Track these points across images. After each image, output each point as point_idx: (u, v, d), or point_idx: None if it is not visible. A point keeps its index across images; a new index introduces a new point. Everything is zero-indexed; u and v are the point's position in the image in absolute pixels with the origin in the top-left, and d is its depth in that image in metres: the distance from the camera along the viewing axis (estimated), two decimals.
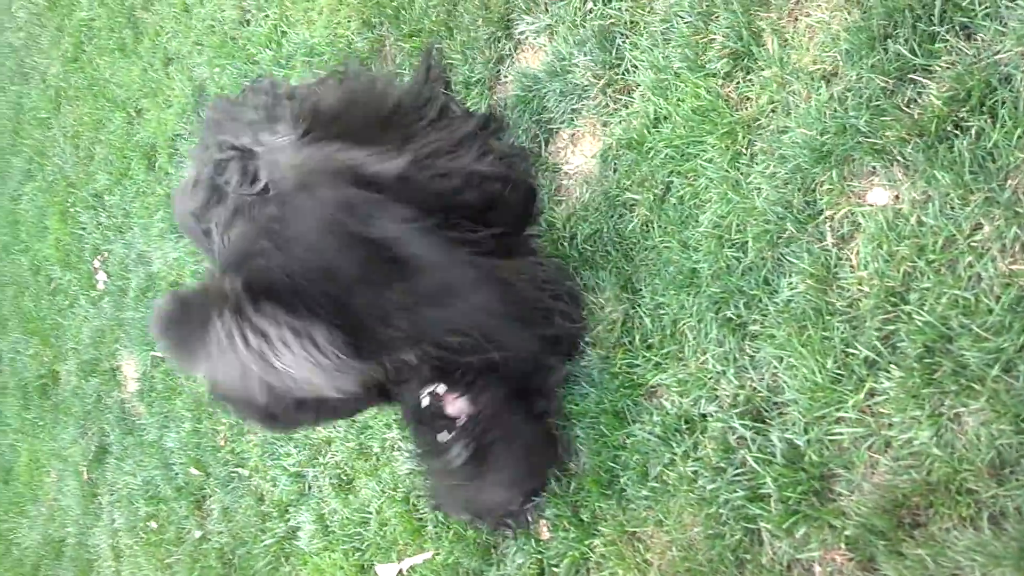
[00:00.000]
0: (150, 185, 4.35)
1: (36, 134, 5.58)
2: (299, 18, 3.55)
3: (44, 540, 4.97)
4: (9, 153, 5.90)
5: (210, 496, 3.75)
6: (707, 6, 2.26)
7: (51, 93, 5.47)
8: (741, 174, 2.16)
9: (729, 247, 2.15)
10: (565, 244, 2.55)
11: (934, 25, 1.88)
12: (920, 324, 1.81)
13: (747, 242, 2.13)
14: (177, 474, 3.93)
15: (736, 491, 2.06)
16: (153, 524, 4.08)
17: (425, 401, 2.31)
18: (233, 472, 3.63)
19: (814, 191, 2.03)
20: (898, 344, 1.85)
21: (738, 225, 2.15)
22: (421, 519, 2.84)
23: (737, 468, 2.08)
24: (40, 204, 5.41)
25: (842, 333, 1.93)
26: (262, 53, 3.68)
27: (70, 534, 4.71)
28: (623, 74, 2.46)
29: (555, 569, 2.42)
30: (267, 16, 3.68)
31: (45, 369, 5.15)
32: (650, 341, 2.30)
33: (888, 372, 1.85)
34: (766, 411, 2.05)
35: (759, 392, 2.07)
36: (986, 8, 1.82)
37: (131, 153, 4.53)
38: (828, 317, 1.96)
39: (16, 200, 5.71)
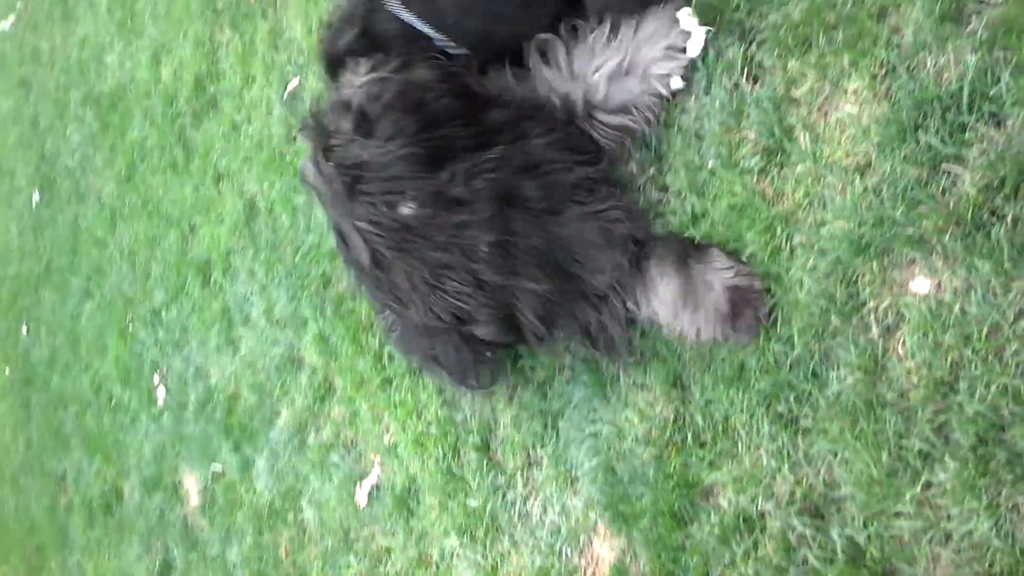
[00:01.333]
0: (206, 300, 4.50)
1: (93, 253, 5.81)
2: None
3: None
4: (68, 273, 6.13)
5: None
6: (737, 104, 2.34)
7: (106, 213, 5.70)
8: (782, 268, 2.21)
9: (775, 341, 2.20)
10: None
11: (963, 115, 1.93)
12: (971, 414, 1.83)
13: (792, 336, 2.17)
14: None
15: None
16: None
17: None
18: None
19: (856, 283, 2.08)
20: (951, 435, 1.87)
21: (783, 319, 2.19)
22: None
23: (799, 567, 2.09)
24: (99, 322, 5.61)
25: (895, 425, 1.96)
26: None
27: None
28: (659, 173, 2.53)
29: None
30: None
31: (108, 486, 5.28)
32: (703, 439, 2.34)
33: (943, 463, 1.87)
34: (824, 507, 2.07)
35: (815, 488, 2.09)
36: (1014, 95, 1.87)
37: (186, 269, 4.71)
38: (879, 409, 1.99)
39: (76, 319, 5.92)
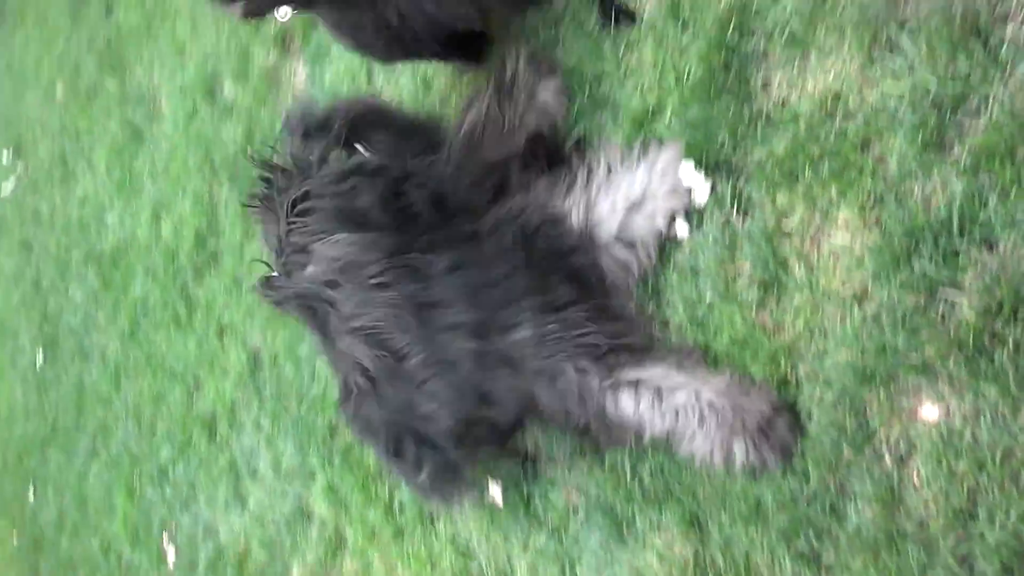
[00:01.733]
0: (213, 454, 4.48)
1: (99, 411, 5.80)
2: None
3: None
4: (74, 431, 6.12)
5: None
6: (730, 239, 2.37)
7: (111, 370, 5.72)
8: (791, 400, 2.21)
9: (790, 475, 2.18)
10: (627, 481, 2.58)
11: (955, 240, 1.96)
12: (993, 543, 1.81)
13: (807, 469, 2.16)
14: None
15: None
16: None
17: None
18: None
19: (864, 412, 2.07)
20: (975, 564, 1.85)
21: (796, 452, 2.18)
22: None
23: None
24: (106, 481, 5.57)
25: (917, 557, 1.93)
26: None
27: None
28: (658, 308, 2.55)
29: None
30: None
31: None
32: None
33: None
34: None
35: None
36: (1003, 219, 1.90)
37: (192, 424, 4.70)
38: (901, 542, 1.96)
39: (83, 478, 5.88)
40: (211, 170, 4.86)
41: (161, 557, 4.81)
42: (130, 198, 5.81)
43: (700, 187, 2.42)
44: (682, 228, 2.47)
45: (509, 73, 2.76)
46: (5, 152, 8.22)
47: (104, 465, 5.66)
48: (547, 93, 2.78)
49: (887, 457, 2.03)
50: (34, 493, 6.64)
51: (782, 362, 2.23)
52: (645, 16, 2.66)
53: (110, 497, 5.49)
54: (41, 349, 6.82)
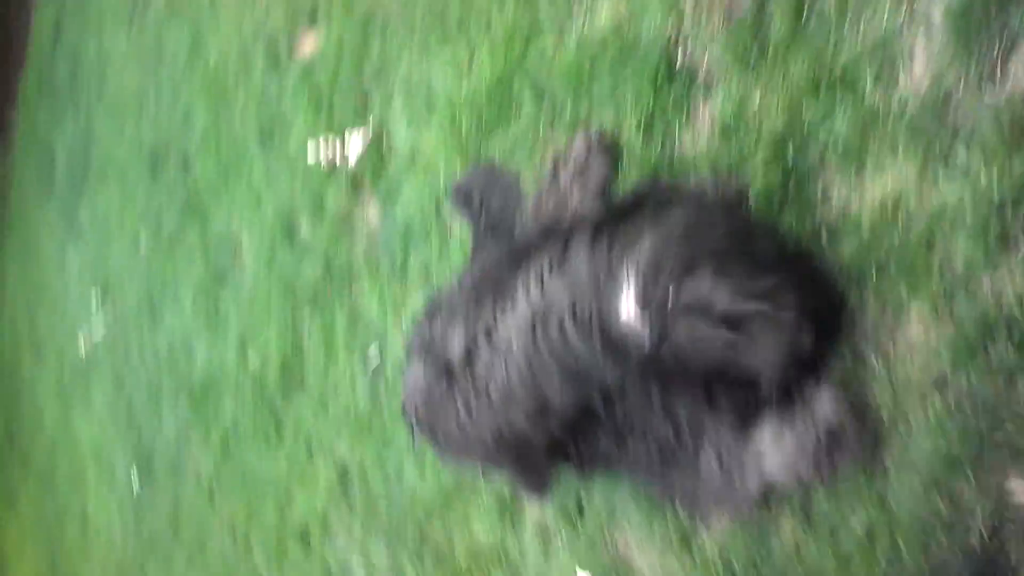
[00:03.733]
0: (310, 562, 4.42)
1: (194, 529, 5.75)
2: None
3: None
4: (172, 548, 6.06)
5: None
6: None
7: (204, 489, 5.69)
8: (878, 490, 2.15)
9: (886, 563, 2.11)
10: (720, 573, 2.51)
11: None
12: None
13: (900, 551, 2.09)
14: None
15: None
16: None
17: None
18: None
19: (955, 498, 2.01)
20: None
21: (889, 537, 2.12)
22: None
23: None
24: None
25: None
26: (398, 428, 3.84)
27: None
28: None
29: None
30: (395, 397, 3.88)
31: None
32: None
33: None
34: None
35: None
36: None
37: (286, 536, 4.64)
38: None
39: None
40: (294, 299, 4.89)
41: None
42: (216, 330, 5.85)
43: None
44: None
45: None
46: (95, 300, 8.33)
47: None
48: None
49: (981, 539, 1.96)
50: None
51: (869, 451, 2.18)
52: (703, 141, 2.68)
53: None
54: (136, 474, 6.80)
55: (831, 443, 2.17)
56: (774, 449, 2.28)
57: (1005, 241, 1.97)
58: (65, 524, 8.21)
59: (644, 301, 1.95)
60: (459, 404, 2.49)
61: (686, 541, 2.60)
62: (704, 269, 1.92)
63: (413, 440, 2.60)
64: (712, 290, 1.89)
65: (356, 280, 4.30)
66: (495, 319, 2.40)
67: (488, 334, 2.43)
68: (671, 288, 1.92)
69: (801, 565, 2.29)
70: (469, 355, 2.48)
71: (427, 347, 2.75)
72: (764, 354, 1.94)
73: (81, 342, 8.35)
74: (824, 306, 2.20)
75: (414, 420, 2.71)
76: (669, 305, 1.91)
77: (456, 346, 2.51)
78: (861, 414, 2.17)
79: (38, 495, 9.23)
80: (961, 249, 2.04)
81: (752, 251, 2.12)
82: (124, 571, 6.82)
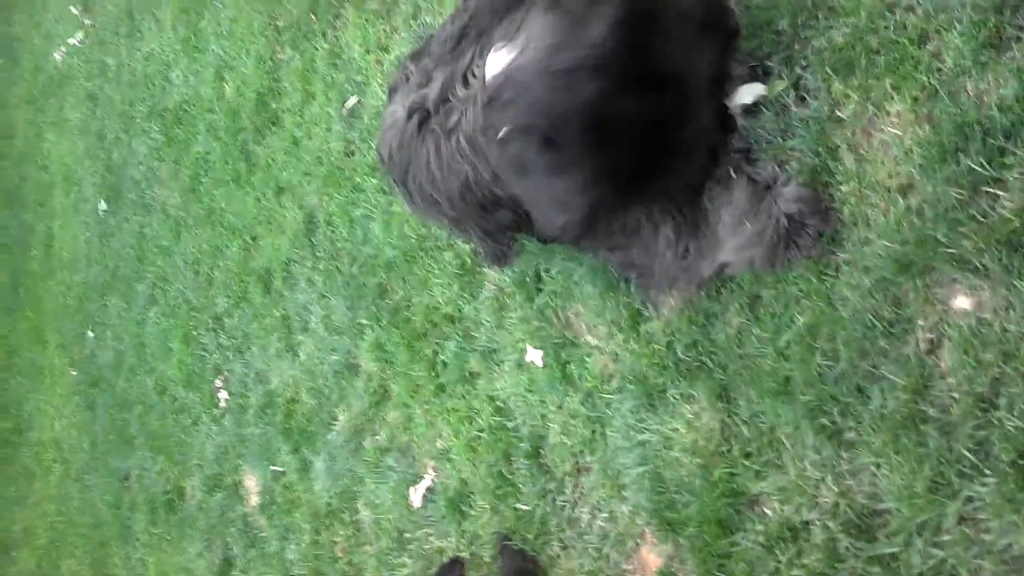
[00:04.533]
0: (267, 308, 4.60)
1: (158, 262, 5.93)
2: None
3: None
4: (134, 280, 6.26)
5: None
6: (784, 124, 2.37)
7: (171, 223, 5.82)
8: (829, 286, 2.24)
9: (821, 356, 2.23)
10: (662, 353, 2.64)
11: (1003, 139, 1.96)
12: (1011, 430, 1.85)
13: (838, 350, 2.20)
14: None
15: None
16: None
17: None
18: None
19: (900, 301, 2.10)
20: (991, 450, 1.90)
21: (828, 335, 2.22)
22: None
23: None
24: (164, 327, 5.73)
25: (937, 440, 1.98)
26: (367, 181, 3.91)
27: None
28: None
29: None
30: (370, 147, 3.93)
31: (171, 485, 5.39)
32: (748, 450, 2.37)
33: (983, 478, 1.89)
34: (867, 518, 2.10)
35: (859, 500, 2.12)
36: None
37: (248, 278, 4.80)
38: (922, 425, 2.01)
39: (141, 324, 6.04)
40: (275, 33, 4.85)
41: (213, 399, 4.98)
42: (194, 56, 5.83)
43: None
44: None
45: None
46: (74, 7, 8.24)
47: (162, 312, 5.81)
48: None
49: (917, 345, 2.07)
50: (93, 335, 6.84)
51: (824, 246, 2.25)
52: None
53: (167, 342, 5.66)
54: (104, 199, 6.94)
55: (789, 234, 2.26)
56: (732, 234, 2.37)
57: (998, 44, 1.97)
58: (30, 244, 8.42)
59: None
60: (430, 148, 2.56)
61: (635, 323, 2.72)
62: None
63: (387, 186, 2.66)
64: None
65: (341, 13, 4.26)
66: (474, 64, 2.44)
67: (466, 79, 2.47)
68: None
69: (740, 352, 2.41)
70: (445, 98, 2.53)
71: (407, 87, 2.79)
72: None
73: (59, 55, 8.33)
74: None
75: (386, 160, 2.78)
76: None
77: (434, 89, 2.56)
78: (823, 210, 2.24)
79: (3, 213, 9.42)
80: (953, 46, 2.04)
81: None
82: (85, 299, 7.07)
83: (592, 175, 2.25)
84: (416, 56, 2.87)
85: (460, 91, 2.46)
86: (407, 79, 2.83)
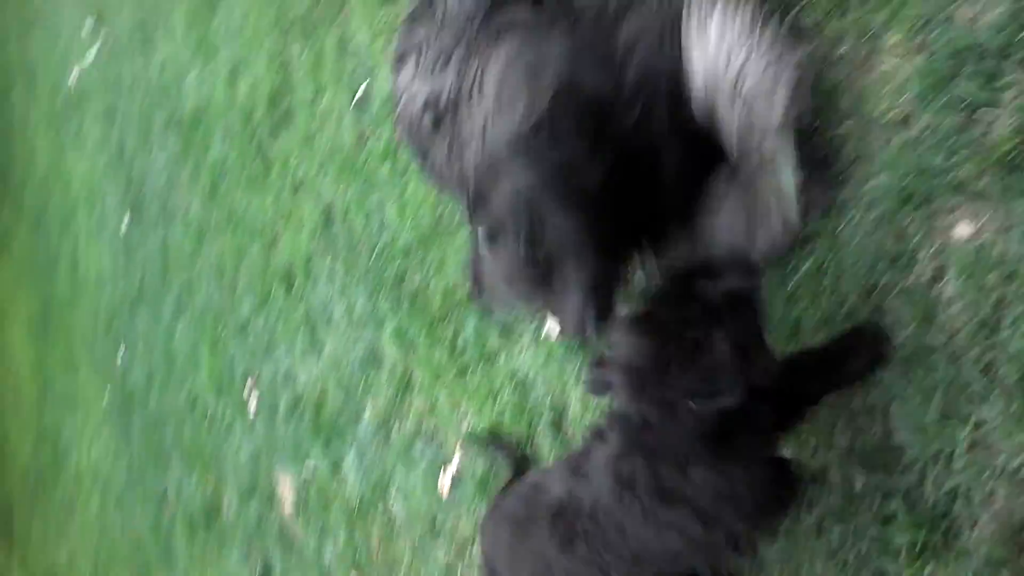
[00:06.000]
0: (291, 306, 4.75)
1: (183, 270, 6.13)
2: None
3: None
4: (160, 291, 6.48)
5: None
6: None
7: (193, 230, 6.03)
8: (833, 225, 2.32)
9: (828, 295, 2.31)
10: None
11: (997, 60, 2.04)
12: (1015, 350, 1.93)
13: (845, 289, 2.28)
14: None
15: (863, 540, 2.18)
16: None
17: None
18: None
19: (903, 233, 2.18)
20: (997, 372, 1.97)
21: (835, 273, 2.31)
22: None
23: (861, 516, 2.20)
24: (192, 337, 5.92)
25: (944, 368, 2.06)
26: (381, 167, 4.05)
27: None
28: None
29: None
30: (383, 134, 4.07)
31: (208, 497, 5.57)
32: None
33: (990, 401, 1.96)
34: (881, 455, 2.18)
35: (873, 437, 2.20)
36: None
37: (271, 278, 4.97)
38: (929, 355, 2.09)
39: (170, 336, 6.25)
40: (283, 28, 5.02)
41: (244, 405, 5.14)
42: (207, 60, 6.03)
43: None
44: None
45: None
46: (88, 22, 8.51)
47: (189, 322, 6.01)
48: None
49: (922, 276, 2.15)
50: (124, 353, 7.06)
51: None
52: None
53: (195, 352, 5.85)
54: (127, 213, 7.17)
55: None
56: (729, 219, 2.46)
57: None
58: (57, 269, 8.71)
59: None
60: (443, 150, 2.63)
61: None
62: None
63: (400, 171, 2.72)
64: None
65: (346, 3, 4.42)
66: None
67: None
68: None
69: None
70: (456, 103, 2.57)
71: (424, 61, 2.82)
72: None
73: (74, 73, 8.61)
74: None
75: (405, 136, 2.83)
76: None
77: (448, 82, 2.60)
78: (824, 161, 2.33)
79: (30, 239, 9.74)
80: None
81: None
82: (115, 316, 7.31)
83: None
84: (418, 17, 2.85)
85: (468, 104, 2.50)
86: (420, 49, 2.81)
